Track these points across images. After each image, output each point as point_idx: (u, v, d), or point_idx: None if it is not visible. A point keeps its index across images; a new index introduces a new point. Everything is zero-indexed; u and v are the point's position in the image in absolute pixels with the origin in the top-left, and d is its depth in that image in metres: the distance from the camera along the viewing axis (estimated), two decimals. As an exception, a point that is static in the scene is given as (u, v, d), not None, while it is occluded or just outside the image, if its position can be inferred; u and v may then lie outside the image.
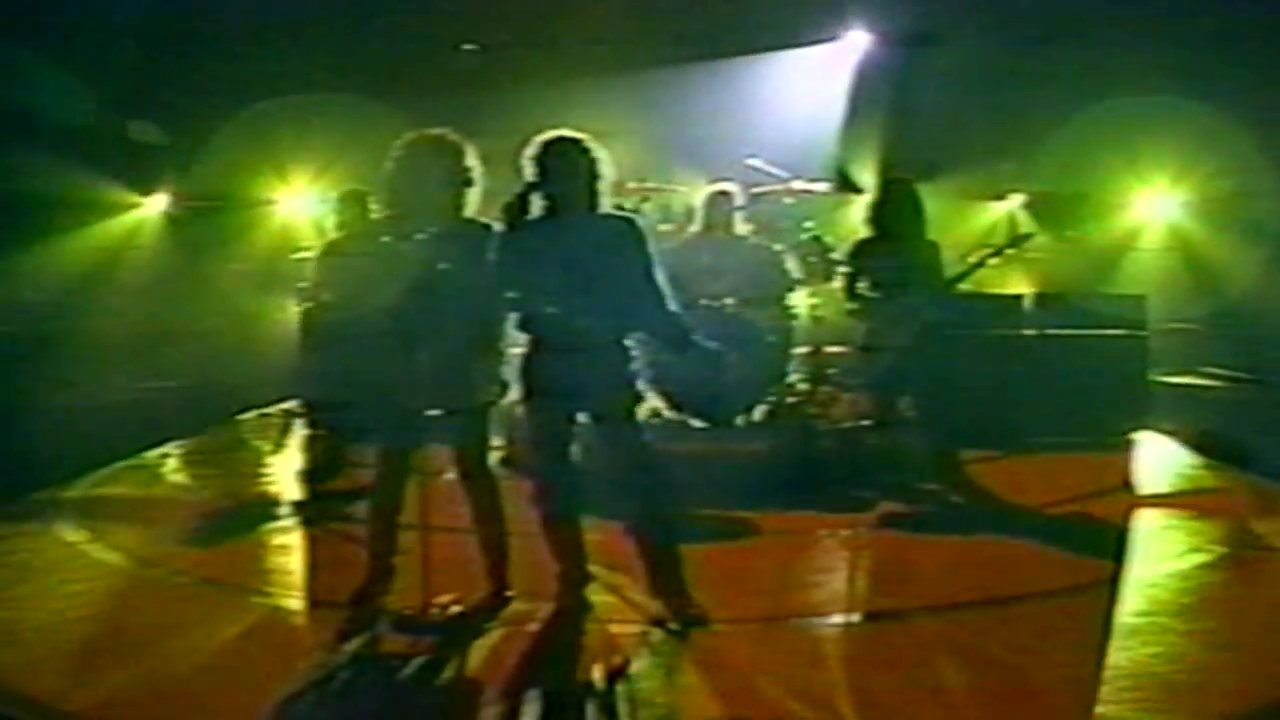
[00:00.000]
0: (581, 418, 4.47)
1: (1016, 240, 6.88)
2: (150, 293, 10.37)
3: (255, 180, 10.77)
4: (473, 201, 4.47)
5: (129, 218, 10.86)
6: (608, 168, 4.40)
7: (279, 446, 7.93)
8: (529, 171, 4.37)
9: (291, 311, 9.23)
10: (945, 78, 9.75)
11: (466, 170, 4.45)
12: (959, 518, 6.04)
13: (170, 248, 10.98)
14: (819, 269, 7.12)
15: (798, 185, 7.58)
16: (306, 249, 9.96)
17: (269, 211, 11.01)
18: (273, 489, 6.74)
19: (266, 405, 9.42)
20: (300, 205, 10.93)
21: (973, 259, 6.54)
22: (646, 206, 7.64)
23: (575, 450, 4.48)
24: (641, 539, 4.49)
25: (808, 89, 10.35)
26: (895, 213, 6.43)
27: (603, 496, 4.53)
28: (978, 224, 11.04)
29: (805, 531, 5.71)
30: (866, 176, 10.64)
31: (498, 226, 4.39)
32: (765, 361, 6.84)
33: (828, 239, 7.20)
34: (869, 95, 10.31)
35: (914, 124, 10.15)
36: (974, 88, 9.90)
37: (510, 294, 4.37)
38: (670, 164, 9.02)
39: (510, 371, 4.49)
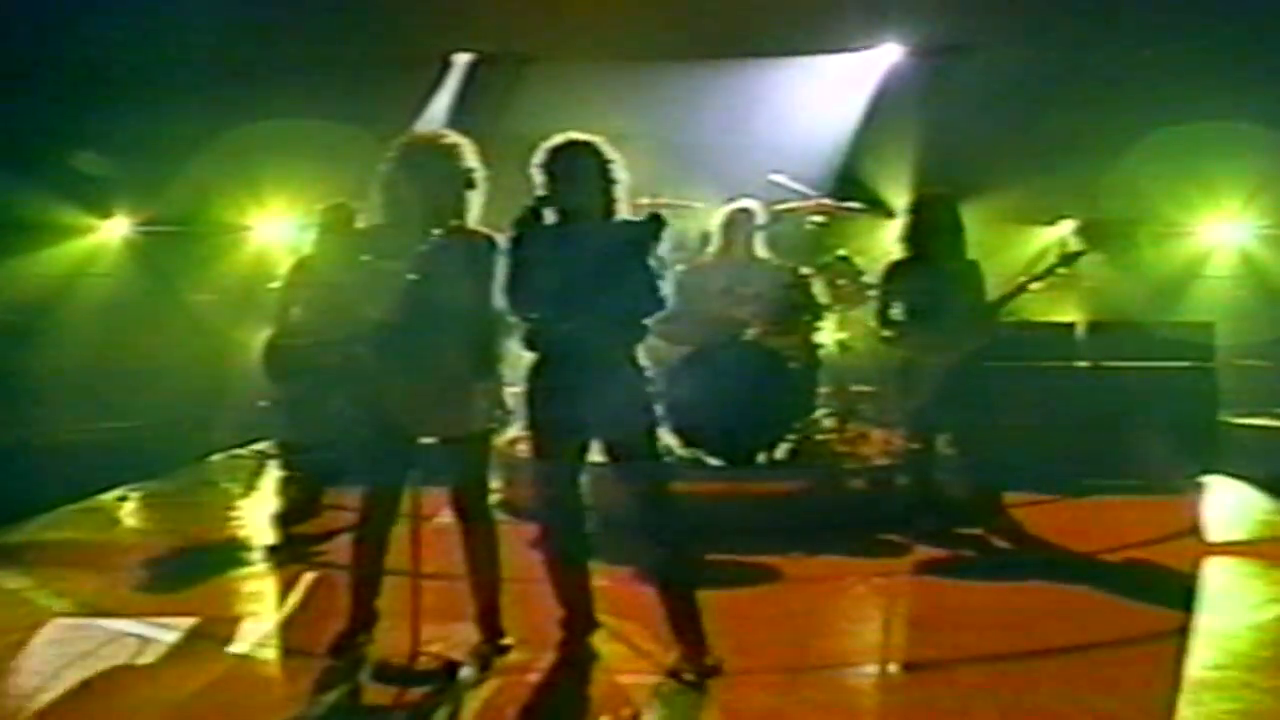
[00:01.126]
0: (592, 447, 4.53)
1: (1067, 259, 6.96)
2: (108, 323, 10.49)
3: (226, 204, 10.94)
4: (475, 207, 4.54)
5: (85, 243, 11.05)
6: (622, 172, 4.49)
7: (249, 489, 8.00)
8: (538, 179, 4.46)
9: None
10: (988, 94, 9.90)
11: (468, 174, 4.52)
12: (1004, 563, 6.09)
13: (131, 275, 11.17)
14: (848, 294, 7.23)
15: (826, 203, 7.67)
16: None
17: (242, 238, 11.19)
18: (241, 533, 6.81)
19: (236, 446, 9.53)
20: (277, 231, 11.10)
21: (1020, 280, 6.63)
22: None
23: (584, 485, 4.53)
24: (655, 584, 4.53)
25: (836, 98, 10.54)
26: (931, 231, 6.53)
27: (612, 537, 4.59)
28: (1025, 250, 11.12)
29: (832, 578, 5.76)
30: (899, 197, 10.83)
31: (502, 237, 4.47)
32: (789, 395, 6.93)
33: (857, 261, 7.31)
34: (903, 109, 10.45)
35: (953, 141, 10.29)
36: (1022, 105, 10.06)
37: (516, 309, 4.44)
38: (684, 177, 9.18)
39: (512, 397, 4.56)
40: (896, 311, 6.56)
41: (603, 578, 4.78)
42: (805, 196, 7.82)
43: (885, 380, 7.03)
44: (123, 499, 7.57)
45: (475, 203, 4.55)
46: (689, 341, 6.76)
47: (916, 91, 10.43)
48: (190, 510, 7.51)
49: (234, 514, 7.33)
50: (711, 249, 7.45)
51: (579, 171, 4.45)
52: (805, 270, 7.37)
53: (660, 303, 4.44)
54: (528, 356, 4.50)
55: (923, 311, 6.47)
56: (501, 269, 4.44)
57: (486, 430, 4.60)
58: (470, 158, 4.55)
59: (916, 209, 6.66)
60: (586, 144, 4.49)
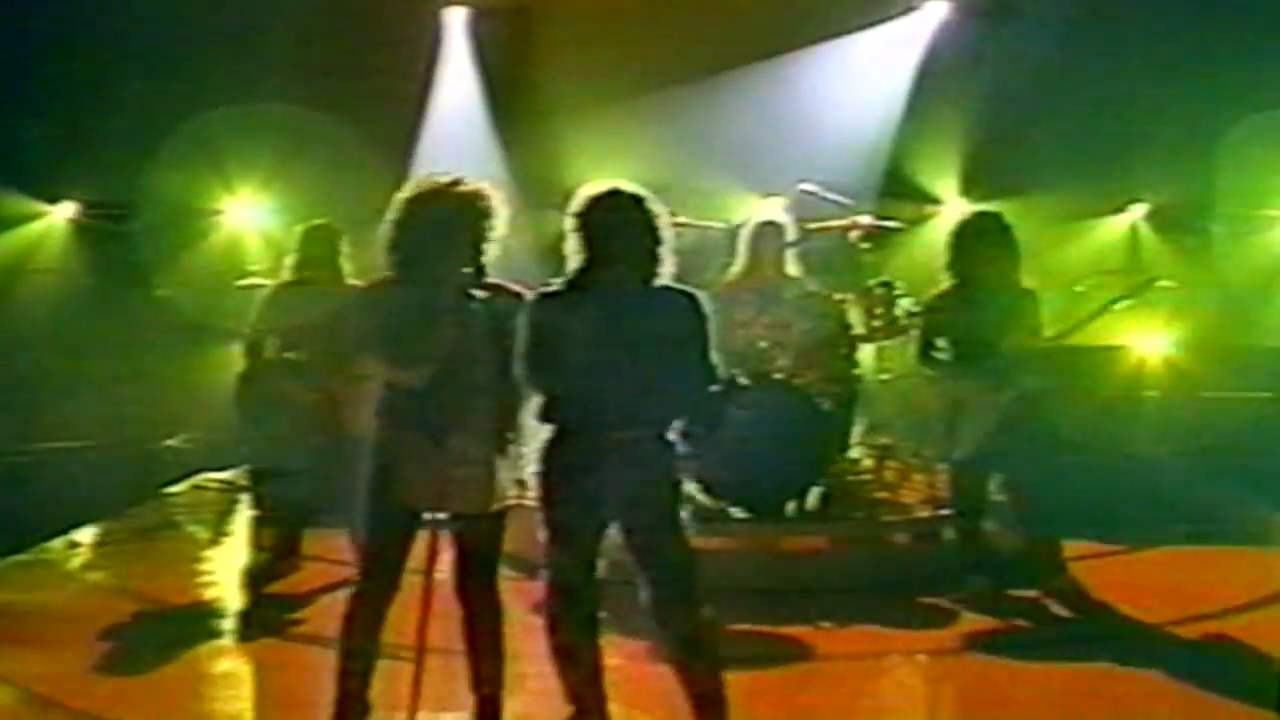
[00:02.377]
0: (611, 526, 4.56)
1: (1138, 288, 6.99)
2: (54, 324, 10.57)
3: (193, 187, 11.01)
4: (494, 256, 4.58)
5: (29, 230, 11.13)
6: (669, 230, 4.51)
7: (217, 533, 8.10)
8: (573, 231, 4.47)
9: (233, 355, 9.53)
10: (1043, 59, 9.94)
11: (490, 224, 4.55)
12: (1065, 636, 6.12)
13: (80, 268, 11.25)
14: (888, 324, 7.27)
15: (862, 221, 7.72)
16: (254, 274, 10.25)
17: (211, 224, 11.29)
18: (207, 592, 6.87)
19: (202, 471, 9.63)
20: (248, 216, 11.22)
21: (1081, 317, 6.65)
22: None
23: (601, 566, 4.58)
24: (675, 669, 4.57)
25: (878, 78, 10.63)
26: (980, 255, 6.53)
27: (626, 608, 4.62)
28: (1090, 245, 11.16)
29: (869, 655, 5.83)
30: (947, 188, 10.90)
31: (529, 293, 4.51)
32: (820, 438, 6.98)
33: (899, 286, 7.35)
34: (950, 84, 10.51)
35: (1006, 122, 10.34)
36: (1085, 71, 10.09)
37: (535, 378, 4.46)
38: (702, 188, 9.28)
39: (528, 469, 4.59)
40: (941, 347, 6.59)
41: (615, 653, 4.81)
42: (839, 206, 7.86)
43: (928, 416, 7.07)
44: (73, 545, 7.67)
45: (494, 255, 4.58)
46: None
47: (964, 60, 10.49)
48: (149, 561, 7.57)
49: (199, 566, 7.40)
50: (736, 268, 7.51)
51: (621, 226, 4.45)
52: (840, 296, 7.42)
53: (706, 392, 4.50)
54: (544, 430, 4.51)
55: (970, 346, 6.49)
56: (525, 331, 4.45)
57: (502, 510, 4.64)
58: (493, 205, 4.56)
59: (963, 231, 6.65)
60: (633, 197, 4.50)
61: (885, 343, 7.54)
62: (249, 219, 11.30)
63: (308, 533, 7.16)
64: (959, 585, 6.57)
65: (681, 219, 7.71)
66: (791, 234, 7.46)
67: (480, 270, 4.57)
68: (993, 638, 6.09)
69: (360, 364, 4.75)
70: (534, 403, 4.52)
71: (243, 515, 8.15)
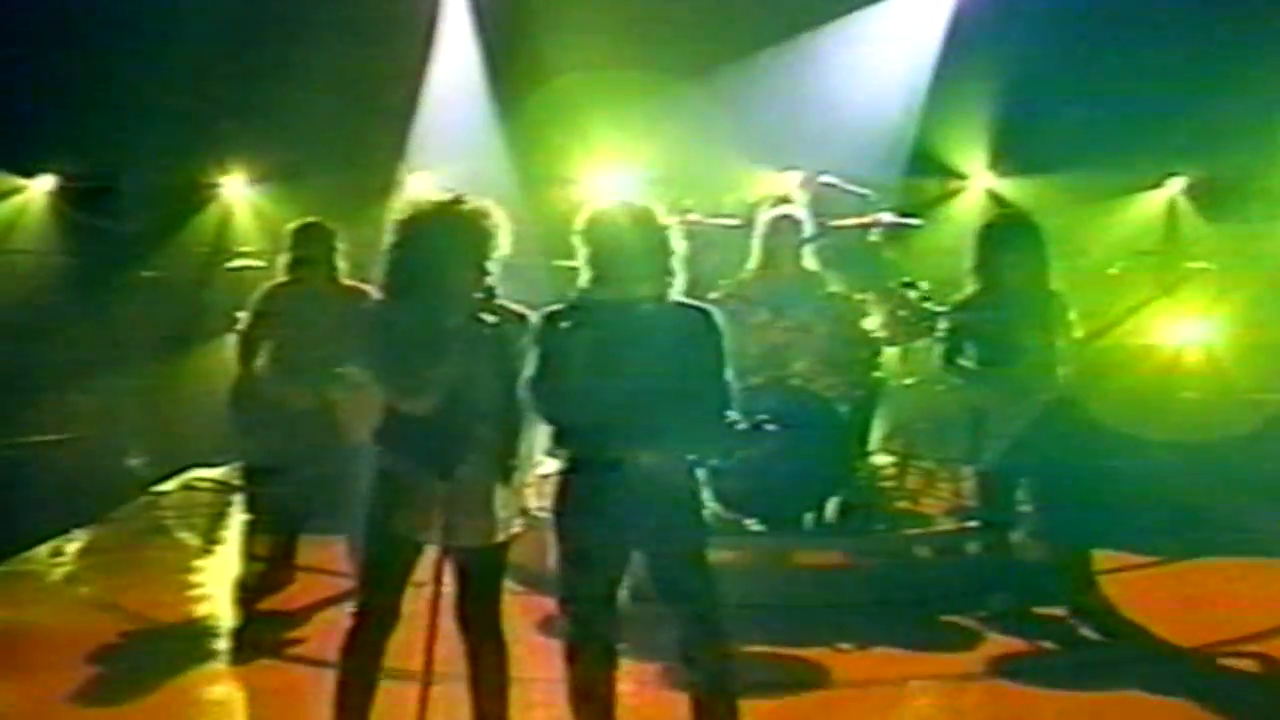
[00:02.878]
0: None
1: (1172, 285, 6.99)
2: (30, 308, 10.55)
3: (186, 159, 10.98)
4: (495, 278, 4.55)
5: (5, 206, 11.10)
6: (679, 243, 4.53)
7: (208, 539, 8.15)
8: (580, 249, 4.50)
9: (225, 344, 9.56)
10: (1074, 34, 9.90)
11: (493, 245, 4.55)
12: (1094, 660, 6.14)
13: (60, 245, 11.22)
14: (911, 325, 7.28)
15: (883, 218, 7.72)
16: (246, 255, 10.28)
17: (205, 199, 11.28)
18: (198, 608, 6.92)
19: (192, 468, 9.70)
20: (242, 192, 11.25)
21: (1113, 317, 6.65)
22: None
23: (623, 596, 4.59)
24: (690, 698, 4.61)
25: (897, 55, 10.61)
26: (1006, 259, 6.53)
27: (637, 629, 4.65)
28: (1124, 223, 11.13)
29: (889, 681, 5.86)
30: (975, 164, 10.88)
31: (535, 316, 4.52)
32: (840, 447, 7.03)
33: (923, 286, 7.36)
34: (974, 61, 10.46)
35: (1035, 94, 10.31)
36: (1115, 46, 10.03)
37: (544, 405, 4.47)
38: (715, 164, 9.32)
39: (536, 497, 4.66)
40: (967, 354, 6.61)
41: (625, 678, 4.76)
42: (861, 198, 7.86)
43: (952, 420, 7.11)
44: (57, 554, 7.72)
45: (496, 276, 4.55)
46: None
47: (991, 31, 10.43)
48: (137, 572, 7.62)
49: (189, 577, 7.46)
50: (751, 264, 7.52)
51: (630, 241, 4.47)
52: (862, 296, 7.43)
53: (724, 410, 4.50)
54: (556, 458, 4.55)
55: (997, 353, 6.51)
56: (531, 355, 4.47)
57: (506, 541, 4.65)
58: (496, 225, 4.55)
59: (988, 233, 6.66)
60: (642, 212, 4.52)
61: (909, 345, 7.53)
62: (244, 194, 11.29)
63: (303, 539, 7.15)
64: (982, 602, 6.60)
65: (693, 215, 7.76)
66: (809, 228, 7.47)
67: (483, 292, 4.56)
68: (1017, 662, 6.11)
69: (363, 386, 4.75)
70: (542, 429, 4.54)
71: (235, 519, 8.21)
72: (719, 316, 4.54)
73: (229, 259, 10.64)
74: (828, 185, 7.89)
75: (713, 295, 7.36)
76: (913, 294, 7.24)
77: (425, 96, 11.00)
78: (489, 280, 4.56)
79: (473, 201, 4.58)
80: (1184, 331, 9.08)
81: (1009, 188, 11.20)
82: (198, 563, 7.79)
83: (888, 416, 7.54)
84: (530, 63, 10.57)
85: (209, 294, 10.77)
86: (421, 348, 4.48)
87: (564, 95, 10.30)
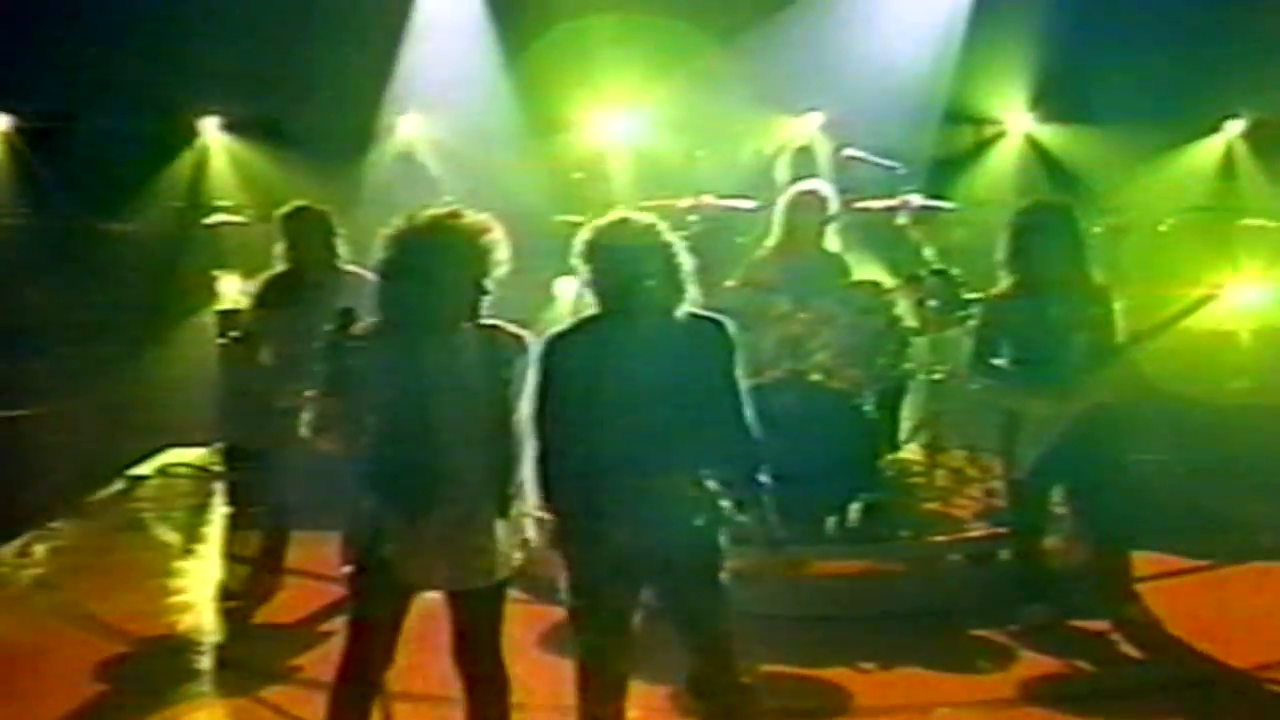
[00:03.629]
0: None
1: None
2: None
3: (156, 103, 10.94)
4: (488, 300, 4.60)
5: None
6: (686, 256, 4.56)
7: (189, 535, 8.19)
8: (581, 270, 4.54)
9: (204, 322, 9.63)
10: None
11: (493, 264, 4.56)
12: (1133, 684, 6.14)
13: (17, 193, 11.18)
14: (941, 315, 7.29)
15: (913, 200, 7.70)
16: (224, 210, 10.28)
17: (178, 145, 11.29)
18: (180, 619, 6.91)
19: (170, 448, 9.74)
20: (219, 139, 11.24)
21: (1168, 316, 6.58)
22: None
23: (635, 626, 4.66)
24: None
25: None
26: (1043, 251, 6.49)
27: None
28: (1175, 175, 11.05)
29: (915, 707, 5.86)
30: (1014, 113, 10.81)
31: (533, 338, 4.56)
32: (864, 444, 7.07)
33: (956, 274, 7.37)
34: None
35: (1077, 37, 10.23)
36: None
37: (548, 429, 4.51)
38: (730, 126, 9.31)
39: (537, 528, 4.65)
40: (1001, 355, 6.58)
41: (634, 704, 4.84)
42: (889, 171, 7.83)
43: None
44: (23, 554, 7.74)
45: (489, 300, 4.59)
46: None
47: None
48: (111, 576, 7.59)
49: (169, 582, 7.46)
50: (769, 242, 7.52)
51: (634, 254, 4.50)
52: (889, 283, 7.43)
53: (742, 428, 4.54)
54: (563, 481, 4.55)
55: (1033, 353, 6.50)
56: (532, 382, 4.51)
57: (506, 578, 4.67)
58: (495, 242, 4.56)
59: (1022, 223, 6.60)
60: (646, 226, 4.55)
61: (937, 335, 7.57)
62: (220, 140, 11.32)
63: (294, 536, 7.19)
64: (1015, 614, 6.63)
65: (706, 198, 7.77)
66: (833, 206, 7.46)
67: (479, 312, 4.59)
68: (1052, 684, 6.13)
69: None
70: (554, 455, 4.56)
71: (218, 512, 8.29)
72: (732, 328, 4.58)
73: (206, 213, 10.70)
74: (853, 159, 7.85)
75: (729, 283, 7.44)
76: (945, 281, 7.26)
77: (414, 34, 10.98)
78: (486, 299, 4.58)
79: (470, 216, 4.58)
80: (1238, 300, 8.92)
81: (1049, 135, 11.19)
82: (179, 564, 7.82)
83: (915, 407, 7.57)
84: (537, 6, 10.55)
85: (184, 252, 10.85)
86: (408, 374, 4.51)
87: (571, 38, 10.28)
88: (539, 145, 10.79)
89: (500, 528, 4.58)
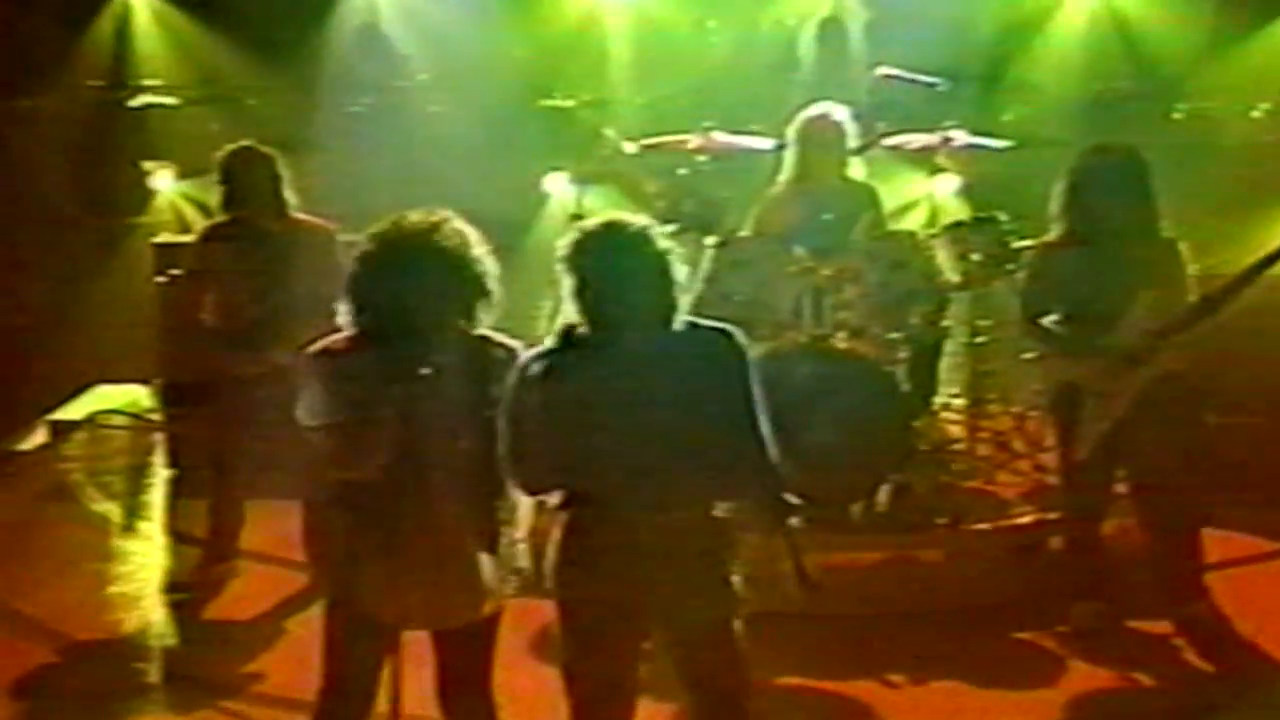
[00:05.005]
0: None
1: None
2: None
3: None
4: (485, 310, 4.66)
5: None
6: (681, 267, 4.54)
7: (128, 507, 8.17)
8: (564, 278, 4.50)
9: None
10: None
11: (477, 276, 4.62)
12: (1205, 705, 6.14)
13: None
14: (987, 268, 7.25)
15: (957, 137, 7.61)
16: (153, 91, 10.18)
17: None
18: (118, 617, 6.87)
19: (97, 385, 9.71)
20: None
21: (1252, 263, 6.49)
22: None
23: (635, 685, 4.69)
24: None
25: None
26: (1104, 199, 6.47)
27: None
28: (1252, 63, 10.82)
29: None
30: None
31: (525, 351, 4.57)
32: (895, 419, 7.07)
33: (1003, 220, 7.29)
34: None
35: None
36: None
37: (525, 473, 4.53)
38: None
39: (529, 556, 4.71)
40: (1052, 316, 6.58)
41: None
42: (929, 88, 7.76)
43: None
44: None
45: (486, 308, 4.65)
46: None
47: None
48: (31, 559, 7.54)
49: (103, 566, 7.39)
50: (783, 176, 7.53)
51: (626, 264, 4.48)
52: (927, 233, 7.40)
53: (760, 452, 4.53)
54: (558, 512, 4.57)
55: (1090, 317, 6.49)
56: (502, 418, 4.52)
57: (495, 614, 4.75)
58: (478, 253, 4.63)
59: (1082, 169, 6.56)
60: (638, 233, 4.52)
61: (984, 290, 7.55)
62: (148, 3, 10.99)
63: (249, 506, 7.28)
64: (1065, 613, 6.69)
65: (716, 134, 7.67)
66: (852, 132, 7.44)
67: (468, 324, 4.64)
68: (1107, 701, 6.17)
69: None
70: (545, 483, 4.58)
71: (159, 475, 8.29)
72: (740, 337, 4.56)
73: (130, 94, 10.62)
74: (888, 78, 7.77)
75: (742, 233, 7.39)
76: (993, 229, 7.21)
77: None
78: (476, 314, 4.63)
79: (454, 225, 4.63)
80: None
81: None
82: (114, 543, 7.79)
83: (954, 368, 7.57)
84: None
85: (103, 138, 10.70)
86: (381, 396, 4.51)
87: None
88: (524, 13, 10.61)
89: (488, 558, 4.62)
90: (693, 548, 4.53)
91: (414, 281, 4.55)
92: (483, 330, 4.66)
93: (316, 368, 4.67)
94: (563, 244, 4.53)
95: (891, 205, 8.60)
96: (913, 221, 9.02)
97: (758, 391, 4.54)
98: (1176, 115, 10.23)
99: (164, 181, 10.53)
